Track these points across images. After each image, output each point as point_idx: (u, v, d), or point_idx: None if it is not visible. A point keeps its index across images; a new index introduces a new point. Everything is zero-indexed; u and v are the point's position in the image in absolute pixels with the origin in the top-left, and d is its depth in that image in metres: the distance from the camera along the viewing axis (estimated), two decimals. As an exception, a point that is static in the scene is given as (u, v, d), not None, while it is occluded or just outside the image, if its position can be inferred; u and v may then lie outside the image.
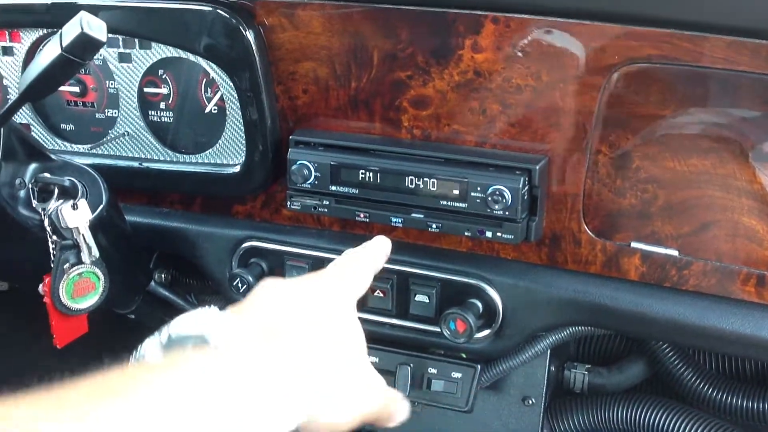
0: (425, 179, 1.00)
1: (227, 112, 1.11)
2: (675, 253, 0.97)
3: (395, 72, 1.01)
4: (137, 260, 1.23)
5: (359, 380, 0.72)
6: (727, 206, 0.93)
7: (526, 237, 0.99)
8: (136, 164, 1.17)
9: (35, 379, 0.55)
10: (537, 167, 0.96)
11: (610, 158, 0.96)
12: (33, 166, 1.02)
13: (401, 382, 1.12)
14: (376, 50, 1.00)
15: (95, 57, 1.06)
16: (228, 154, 1.13)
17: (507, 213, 0.96)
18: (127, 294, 1.22)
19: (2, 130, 0.95)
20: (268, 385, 0.63)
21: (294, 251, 1.13)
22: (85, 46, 0.86)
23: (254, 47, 1.03)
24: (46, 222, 1.00)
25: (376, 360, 1.12)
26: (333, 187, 1.03)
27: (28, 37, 1.16)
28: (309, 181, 1.04)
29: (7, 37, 1.17)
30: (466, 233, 1.00)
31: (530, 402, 1.19)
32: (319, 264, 1.02)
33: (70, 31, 0.85)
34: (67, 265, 1.01)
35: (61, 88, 1.14)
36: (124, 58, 1.14)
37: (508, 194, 0.95)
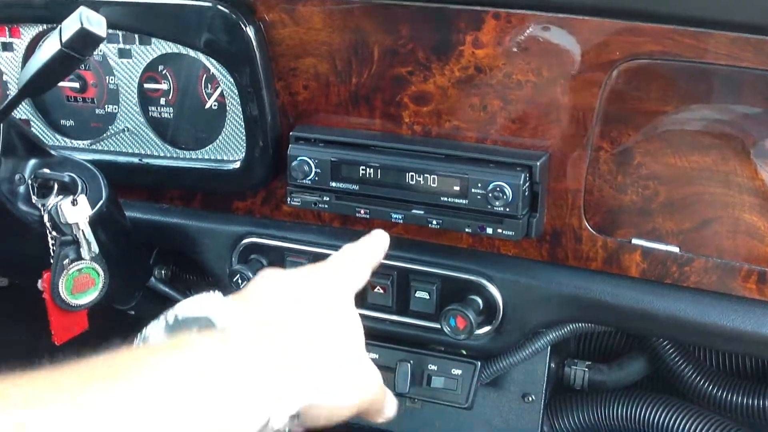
0: (426, 175, 0.99)
1: (227, 108, 1.11)
2: (676, 249, 0.97)
3: (396, 68, 1.00)
4: (137, 256, 1.23)
5: (357, 369, 0.73)
6: (729, 203, 0.93)
7: (526, 233, 0.99)
8: (136, 160, 1.17)
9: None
10: (538, 163, 0.96)
11: (611, 154, 0.96)
12: (33, 161, 1.02)
13: (401, 378, 1.12)
14: (377, 46, 1.00)
15: (95, 53, 1.07)
16: (228, 150, 1.13)
17: (508, 209, 0.96)
18: (126, 290, 1.22)
19: (2, 125, 0.95)
20: (271, 368, 0.63)
21: (294, 247, 1.13)
22: (85, 41, 0.86)
23: (255, 43, 1.03)
24: (46, 218, 1.00)
25: (376, 356, 1.12)
26: (333, 183, 1.03)
27: (28, 32, 1.16)
28: (309, 177, 1.04)
29: (7, 33, 1.17)
30: (466, 230, 0.99)
31: (530, 399, 1.19)
32: (319, 260, 1.01)
33: (69, 27, 0.85)
34: (66, 261, 1.01)
35: (61, 84, 1.14)
36: (124, 53, 1.14)
37: (508, 190, 0.95)
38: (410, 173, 1.00)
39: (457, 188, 0.98)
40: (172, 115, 1.16)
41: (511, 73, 0.96)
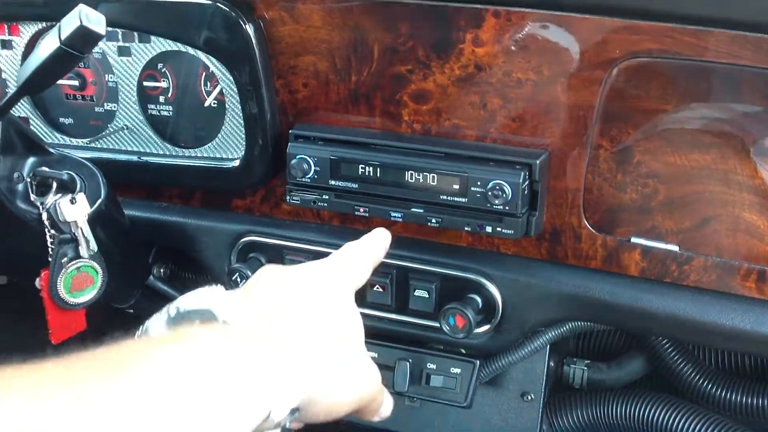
0: (425, 174, 0.99)
1: (227, 106, 1.11)
2: (675, 248, 0.97)
3: (396, 66, 1.00)
4: (136, 254, 1.22)
5: (357, 366, 0.74)
6: (728, 201, 0.93)
7: (526, 232, 0.99)
8: (135, 158, 1.17)
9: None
10: (537, 162, 0.96)
11: (611, 153, 0.96)
12: (31, 159, 1.02)
13: (400, 377, 1.12)
14: (377, 44, 1.00)
15: (94, 50, 1.07)
16: (227, 148, 1.13)
17: (507, 208, 0.96)
18: (125, 288, 1.22)
19: (1, 123, 0.95)
20: (273, 361, 0.64)
21: (293, 246, 1.12)
22: (84, 39, 0.86)
23: (254, 41, 1.03)
24: (45, 216, 0.99)
25: (375, 355, 1.12)
26: (333, 182, 1.03)
27: (28, 30, 1.16)
28: (309, 176, 1.04)
29: (6, 31, 1.17)
30: (466, 228, 0.99)
31: (529, 397, 1.19)
32: (318, 259, 1.01)
33: (69, 24, 0.85)
34: (65, 259, 1.01)
35: (60, 82, 1.14)
36: (123, 51, 1.14)
37: (508, 189, 0.95)
38: (410, 172, 1.00)
39: (456, 187, 0.98)
40: (171, 113, 1.16)
41: (511, 71, 0.96)
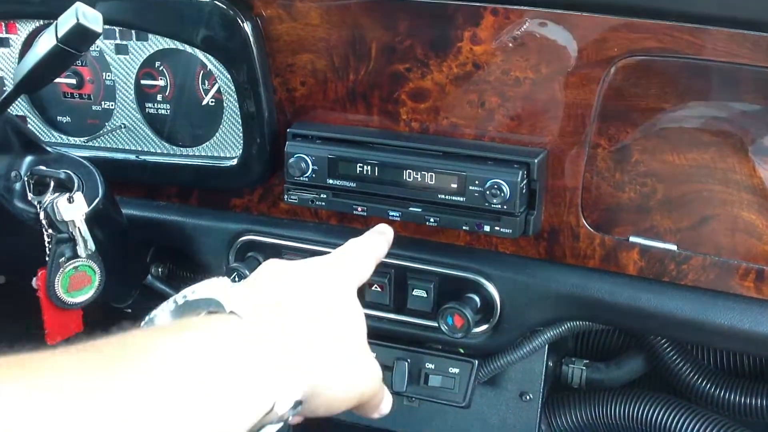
0: (423, 173, 0.99)
1: (224, 105, 1.11)
2: (674, 247, 0.97)
3: (394, 64, 1.00)
4: (134, 254, 1.22)
5: (359, 361, 0.74)
6: (727, 200, 0.93)
7: (524, 231, 0.98)
8: (132, 157, 1.17)
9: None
10: (536, 161, 0.96)
11: (609, 152, 0.96)
12: (29, 158, 1.02)
13: (398, 377, 1.12)
14: (375, 42, 1.00)
15: (92, 48, 1.07)
16: (225, 147, 1.13)
17: (505, 207, 0.95)
18: (123, 288, 1.22)
19: (-2, 121, 0.95)
20: (277, 352, 0.64)
21: (291, 245, 1.12)
22: (81, 37, 0.85)
23: (252, 39, 1.03)
24: (42, 215, 0.99)
25: (374, 355, 1.11)
26: (330, 181, 1.03)
27: (25, 28, 1.15)
28: (306, 175, 1.03)
29: (3, 29, 1.16)
30: (464, 227, 0.99)
31: (528, 397, 1.19)
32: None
33: (65, 22, 0.85)
34: (62, 259, 1.01)
35: (58, 80, 1.14)
36: (120, 49, 1.14)
37: (506, 188, 0.95)
38: (408, 170, 1.00)
39: (454, 185, 0.98)
40: (169, 111, 1.16)
41: (509, 69, 0.95)
